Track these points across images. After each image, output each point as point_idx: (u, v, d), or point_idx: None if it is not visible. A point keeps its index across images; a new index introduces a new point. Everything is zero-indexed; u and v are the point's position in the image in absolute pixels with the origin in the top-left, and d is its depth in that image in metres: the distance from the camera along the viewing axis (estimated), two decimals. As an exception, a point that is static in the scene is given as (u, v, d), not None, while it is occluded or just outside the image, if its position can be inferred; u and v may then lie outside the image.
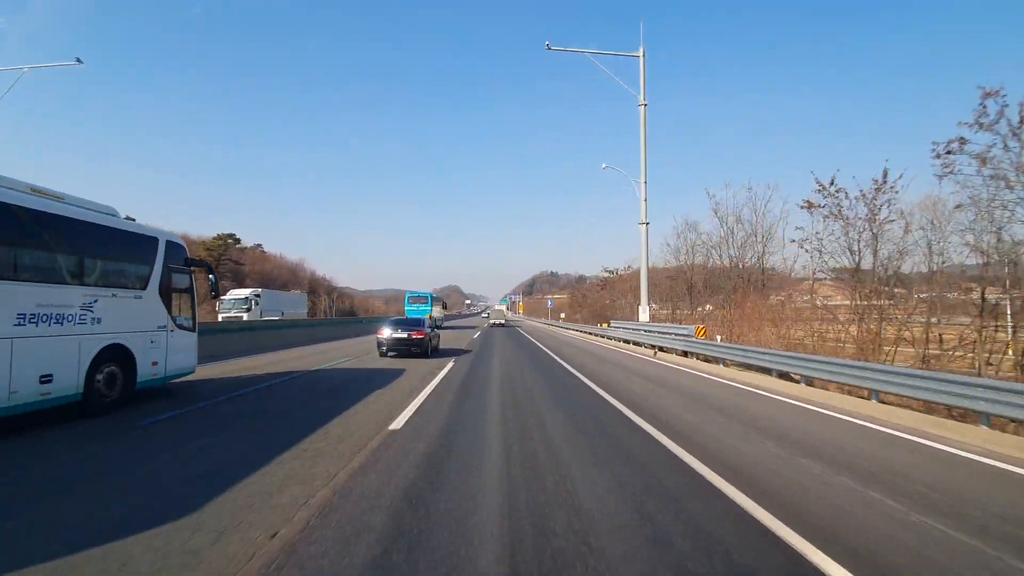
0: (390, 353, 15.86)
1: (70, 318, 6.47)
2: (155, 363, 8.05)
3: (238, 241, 67.67)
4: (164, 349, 8.26)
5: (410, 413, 7.19)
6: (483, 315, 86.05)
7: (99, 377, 6.93)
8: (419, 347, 15.86)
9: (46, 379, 6.09)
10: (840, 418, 7.43)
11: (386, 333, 15.98)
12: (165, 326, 8.31)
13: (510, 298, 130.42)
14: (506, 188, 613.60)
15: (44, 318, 6.11)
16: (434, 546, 3.10)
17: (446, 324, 47.53)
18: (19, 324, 5.80)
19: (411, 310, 37.16)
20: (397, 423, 6.55)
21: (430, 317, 34.99)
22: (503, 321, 50.79)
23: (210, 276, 9.88)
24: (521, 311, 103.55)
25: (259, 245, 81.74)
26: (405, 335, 15.84)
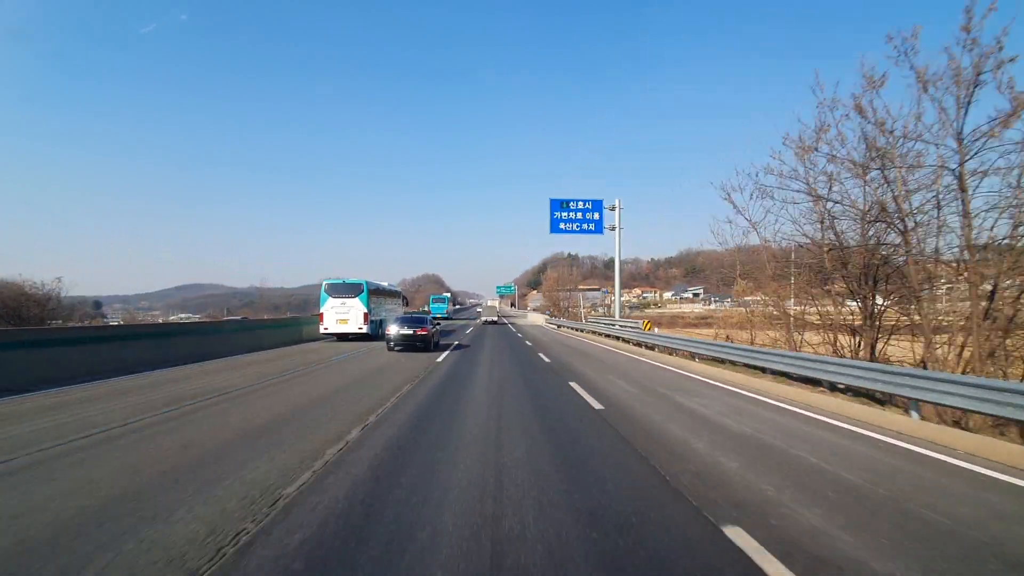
0: (396, 348, 16.35)
1: (394, 311, 30.04)
2: (399, 324, 31.66)
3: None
4: (401, 321, 31.77)
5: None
6: (478, 310, 78.34)
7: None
8: (423, 342, 16.61)
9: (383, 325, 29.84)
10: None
11: (393, 330, 16.58)
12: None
13: (515, 286, 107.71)
14: (492, 169, 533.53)
15: (389, 311, 29.69)
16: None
17: (453, 316, 65.72)
18: (387, 314, 29.38)
19: (434, 308, 58.21)
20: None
21: (446, 311, 56.91)
22: (495, 318, 47.22)
23: (404, 299, 33.55)
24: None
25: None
26: (411, 332, 16.46)
